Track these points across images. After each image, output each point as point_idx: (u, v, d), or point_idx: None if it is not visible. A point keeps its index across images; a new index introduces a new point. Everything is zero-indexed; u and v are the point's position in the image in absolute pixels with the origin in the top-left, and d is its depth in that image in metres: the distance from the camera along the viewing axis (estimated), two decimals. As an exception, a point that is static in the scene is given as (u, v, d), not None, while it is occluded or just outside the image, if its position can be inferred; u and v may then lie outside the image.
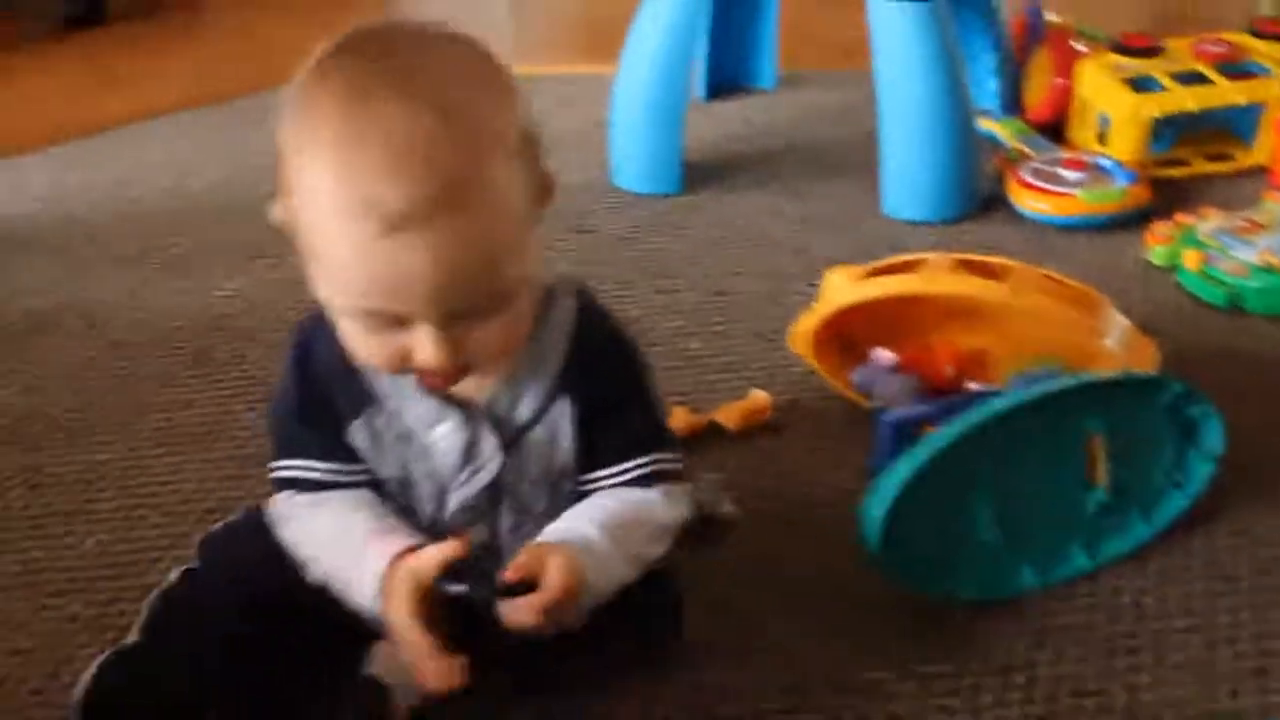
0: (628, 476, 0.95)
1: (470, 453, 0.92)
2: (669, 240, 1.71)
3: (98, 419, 1.42)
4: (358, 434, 0.93)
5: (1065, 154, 1.81)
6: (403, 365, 0.86)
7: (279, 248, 1.72)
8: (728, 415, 1.30)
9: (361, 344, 0.86)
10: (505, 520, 0.95)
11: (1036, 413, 1.07)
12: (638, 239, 1.72)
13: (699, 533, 1.04)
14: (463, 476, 0.93)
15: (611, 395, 0.94)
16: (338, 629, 0.96)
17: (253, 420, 1.38)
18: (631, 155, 1.85)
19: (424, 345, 0.83)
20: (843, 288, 1.30)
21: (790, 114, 2.11)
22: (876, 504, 1.03)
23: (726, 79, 2.18)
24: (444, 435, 0.91)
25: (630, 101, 1.83)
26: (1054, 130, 1.93)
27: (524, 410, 0.92)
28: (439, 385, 0.89)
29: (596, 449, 0.94)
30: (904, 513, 1.02)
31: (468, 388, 0.90)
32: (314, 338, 0.94)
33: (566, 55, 2.58)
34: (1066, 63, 1.92)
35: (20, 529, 1.25)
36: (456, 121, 0.79)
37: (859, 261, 1.58)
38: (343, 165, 0.79)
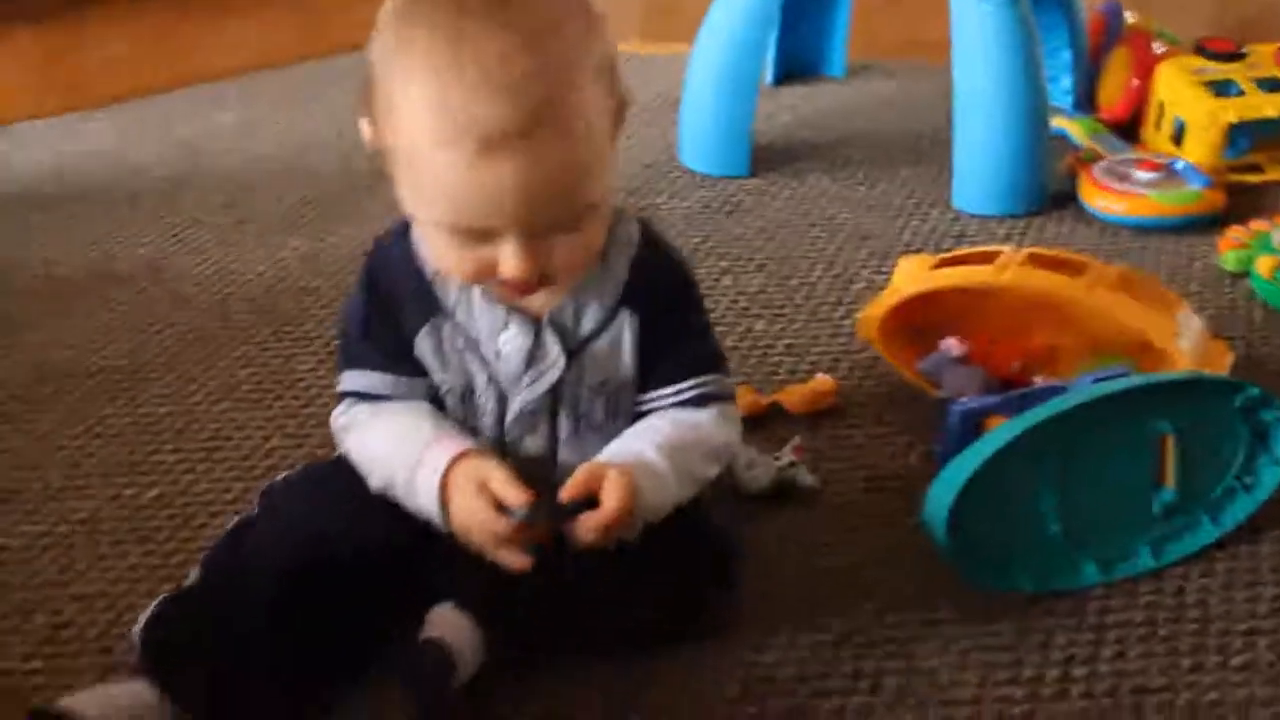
0: (683, 397, 0.97)
1: (533, 358, 0.94)
2: (735, 223, 1.71)
3: (160, 373, 1.43)
4: (424, 343, 0.96)
5: (1138, 155, 1.79)
6: (486, 277, 0.89)
7: (340, 209, 1.77)
8: (791, 397, 1.29)
9: (447, 257, 0.90)
10: (564, 427, 0.97)
11: (1107, 410, 1.06)
12: (704, 220, 1.72)
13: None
14: (525, 380, 0.95)
15: (669, 317, 0.96)
16: (394, 587, 0.97)
17: (314, 377, 1.39)
18: (700, 136, 1.84)
19: (509, 258, 0.86)
20: (914, 275, 1.29)
21: (860, 103, 2.09)
22: (943, 492, 1.02)
23: (796, 65, 2.17)
24: (508, 340, 0.94)
25: (702, 81, 1.82)
26: (1127, 130, 1.90)
27: (588, 322, 0.95)
28: (518, 296, 0.92)
29: (653, 370, 0.97)
30: (970, 503, 1.02)
31: (534, 300, 0.93)
32: (389, 252, 0.98)
33: (638, 32, 2.57)
34: (1144, 64, 1.90)
35: (83, 479, 1.26)
36: (548, 44, 0.82)
37: (927, 251, 1.59)
38: (439, 90, 0.82)
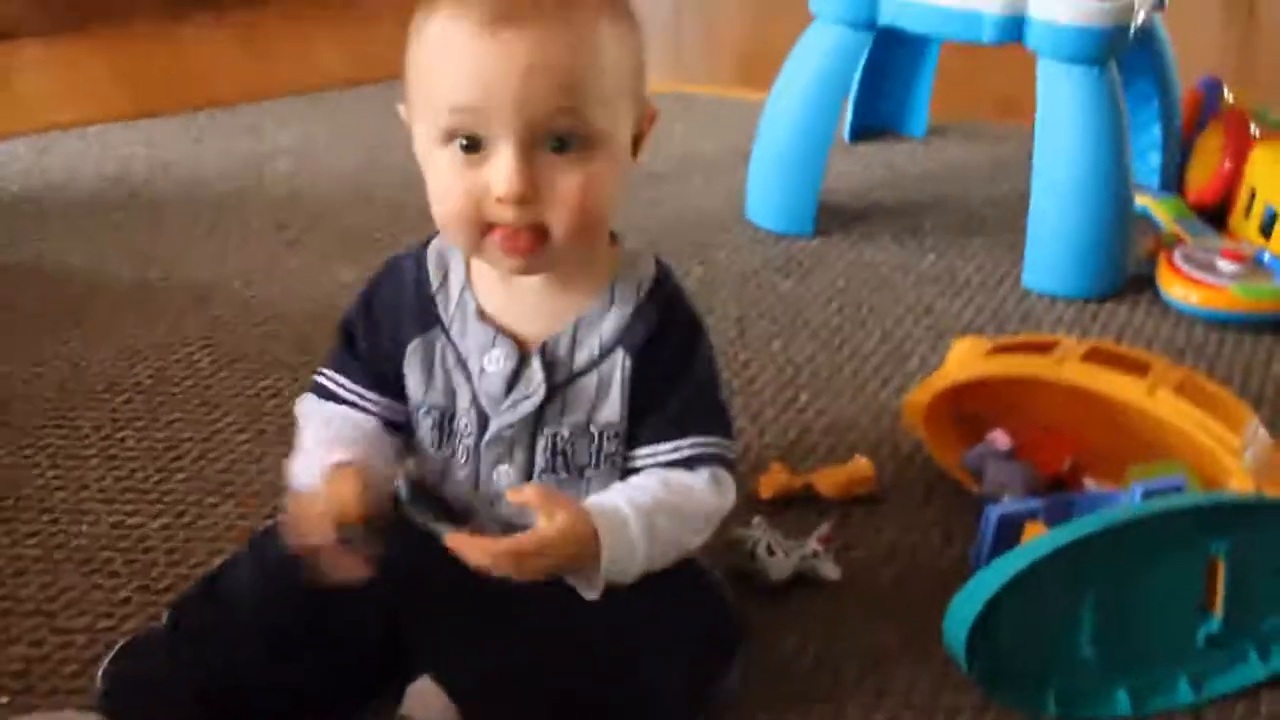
0: (676, 457, 0.93)
1: (515, 381, 0.92)
2: (793, 284, 1.65)
3: (186, 395, 1.40)
4: (414, 355, 0.94)
5: (1224, 243, 1.70)
6: (482, 215, 0.86)
7: (392, 244, 1.73)
8: (826, 480, 1.23)
9: (445, 188, 0.87)
10: (539, 461, 0.93)
11: (1157, 529, 0.99)
12: (760, 279, 1.66)
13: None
14: (506, 404, 0.92)
15: (669, 368, 0.93)
16: (371, 651, 0.95)
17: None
18: (767, 191, 1.79)
19: (501, 168, 0.84)
20: (967, 360, 1.23)
21: (937, 165, 2.03)
22: (967, 605, 0.96)
23: (875, 122, 2.11)
24: (493, 360, 0.92)
25: (774, 136, 1.77)
26: (1215, 216, 1.82)
27: (581, 356, 0.92)
28: (518, 249, 0.87)
29: (647, 423, 0.93)
30: (998, 616, 0.95)
31: (527, 326, 0.92)
32: (400, 264, 0.98)
33: (721, 77, 2.53)
34: (1239, 146, 1.81)
35: (91, 501, 1.23)
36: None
37: (988, 331, 1.52)
38: None
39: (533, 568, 0.84)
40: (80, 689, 1.00)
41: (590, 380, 0.92)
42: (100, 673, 0.95)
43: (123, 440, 1.32)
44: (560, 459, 0.93)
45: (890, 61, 2.01)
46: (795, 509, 1.21)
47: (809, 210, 1.76)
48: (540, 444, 0.93)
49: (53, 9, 2.90)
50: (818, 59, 1.74)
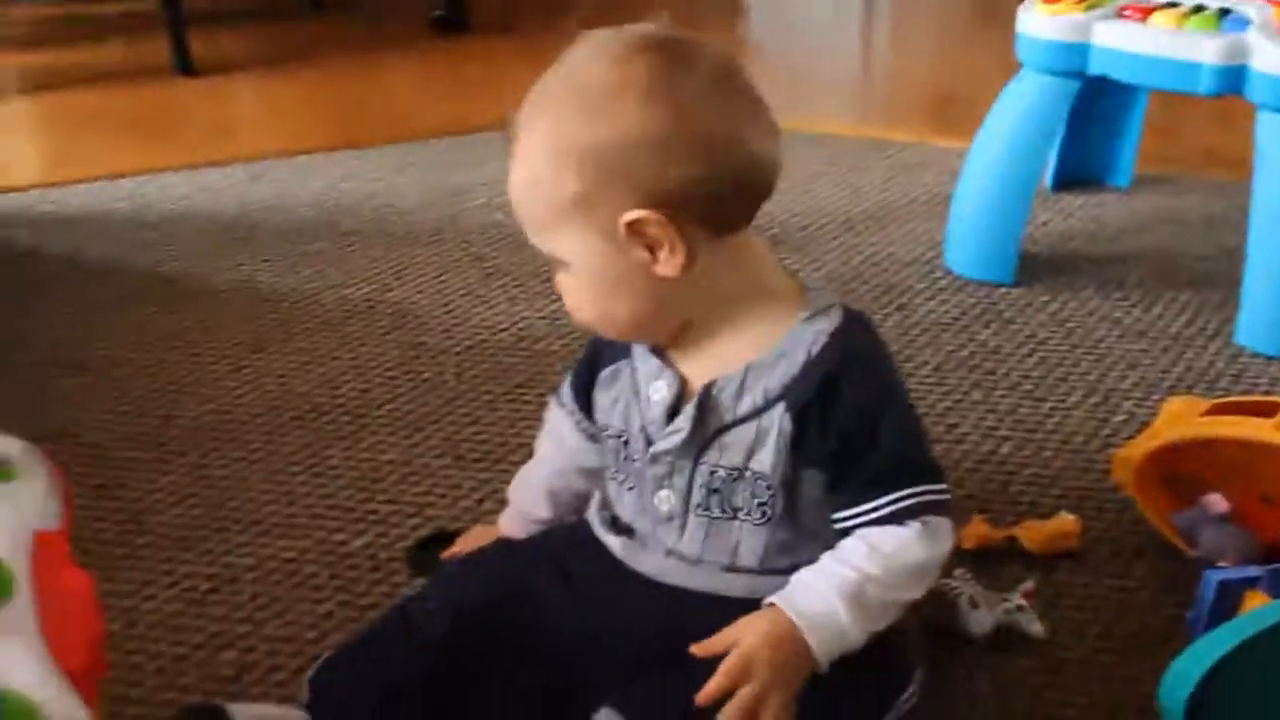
0: (878, 514, 0.90)
1: (675, 412, 0.93)
2: (994, 334, 1.62)
3: (387, 419, 1.44)
4: (605, 378, 0.99)
5: None
6: None
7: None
8: (1030, 534, 1.20)
9: None
10: (696, 493, 0.94)
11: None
12: (960, 328, 1.63)
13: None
14: (665, 432, 0.94)
15: (850, 427, 0.90)
16: (555, 681, 0.95)
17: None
18: (968, 238, 1.76)
19: None
20: (1182, 419, 1.19)
21: (1144, 217, 1.97)
22: (1187, 672, 0.92)
23: (1078, 171, 2.06)
24: (657, 390, 0.94)
25: (977, 183, 1.74)
26: None
27: (745, 403, 0.91)
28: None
29: (846, 486, 0.91)
30: (1216, 689, 0.91)
31: (692, 365, 0.94)
32: None
33: (911, 123, 2.51)
34: None
35: (298, 517, 1.27)
36: (590, 114, 0.86)
37: (1198, 390, 1.48)
38: None
39: (769, 699, 0.85)
40: (289, 696, 1.02)
41: (750, 428, 0.92)
42: (306, 680, 0.97)
43: (328, 459, 1.36)
44: (715, 496, 0.93)
45: (1096, 110, 1.97)
46: (997, 562, 1.18)
47: (1010, 259, 1.73)
48: (698, 478, 0.94)
49: (265, 45, 3.02)
50: (1025, 107, 1.71)
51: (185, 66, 2.77)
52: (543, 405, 1.42)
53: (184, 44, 2.78)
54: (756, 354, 0.91)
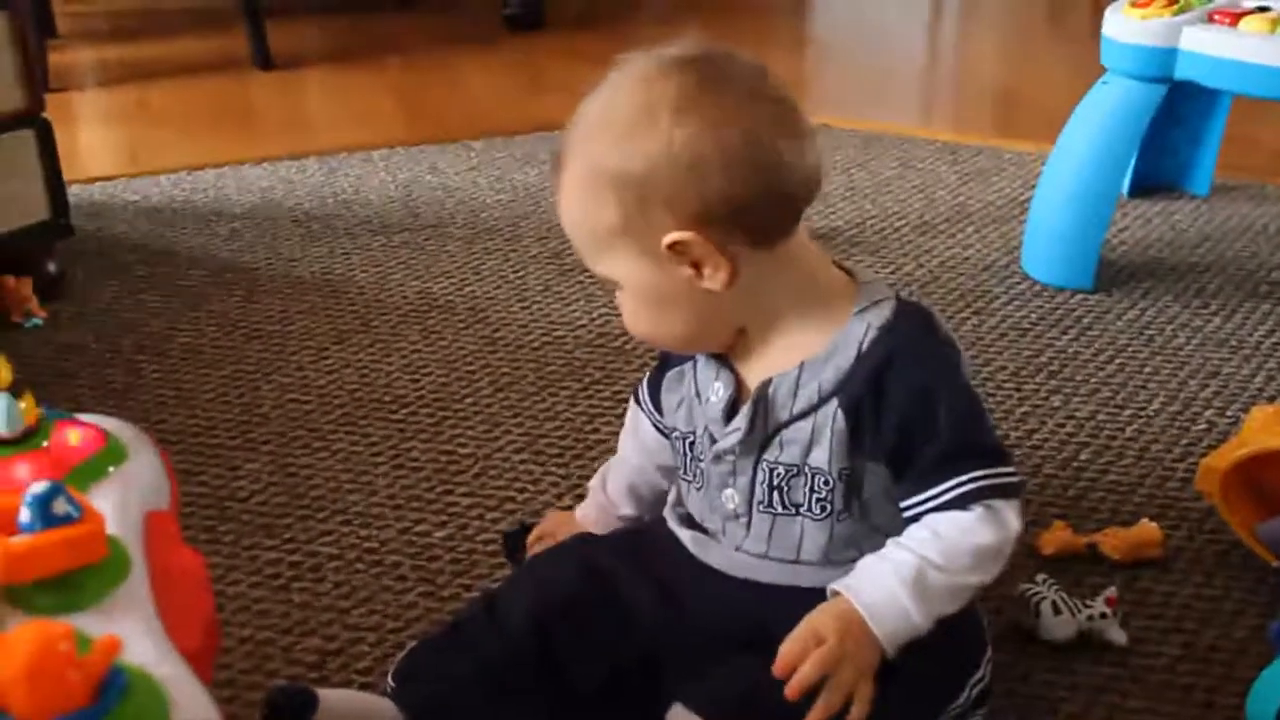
0: (942, 500, 0.91)
1: (733, 412, 0.95)
2: (1071, 340, 1.61)
3: (467, 413, 1.45)
4: (671, 382, 1.02)
5: None
6: None
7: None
8: (1112, 542, 1.19)
9: None
10: (758, 491, 0.95)
11: None
12: (1038, 333, 1.62)
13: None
14: (725, 431, 0.95)
15: (906, 417, 0.90)
16: (630, 675, 0.97)
17: (616, 441, 1.37)
18: (1047, 243, 1.75)
19: None
20: (1268, 429, 1.17)
21: (1222, 225, 1.95)
22: (1273, 686, 0.91)
23: (1156, 177, 2.04)
24: (715, 391, 0.96)
25: (1057, 188, 1.73)
26: None
27: (802, 399, 0.92)
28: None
29: (907, 472, 0.92)
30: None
31: (749, 365, 0.95)
32: None
33: (980, 125, 2.50)
34: None
35: (379, 508, 1.28)
36: (621, 140, 0.87)
37: (1279, 402, 1.46)
38: None
39: (837, 679, 0.87)
40: (371, 684, 1.04)
41: (806, 425, 0.92)
42: (391, 671, 0.98)
43: (409, 450, 1.38)
44: (776, 494, 0.94)
45: (1177, 115, 1.95)
46: (1077, 568, 1.18)
47: (1090, 265, 1.72)
48: (760, 475, 0.95)
49: (339, 38, 3.05)
50: (1109, 112, 1.69)
51: (263, 60, 2.81)
52: (619, 402, 1.46)
53: (262, 37, 2.81)
54: (811, 352, 0.92)
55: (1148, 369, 1.54)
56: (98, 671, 0.54)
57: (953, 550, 0.90)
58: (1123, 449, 1.38)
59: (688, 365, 0.99)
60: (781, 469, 0.94)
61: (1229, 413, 1.44)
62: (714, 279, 0.89)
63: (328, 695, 0.94)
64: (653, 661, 0.97)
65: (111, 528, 0.67)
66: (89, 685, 0.53)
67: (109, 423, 0.80)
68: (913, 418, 0.91)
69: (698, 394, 0.98)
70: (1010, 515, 0.92)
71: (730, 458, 0.95)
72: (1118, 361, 1.55)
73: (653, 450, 1.08)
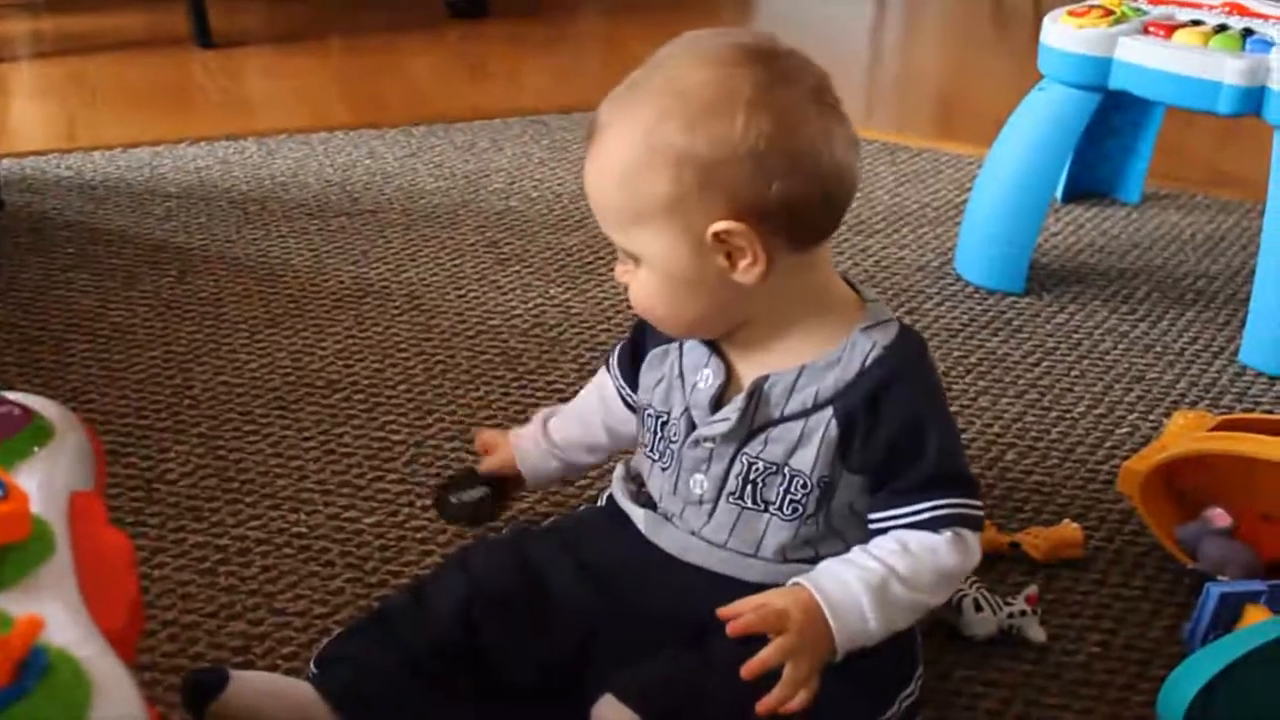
0: (915, 519, 0.94)
1: (721, 401, 0.96)
2: (1001, 341, 1.63)
3: (400, 399, 1.45)
4: (653, 359, 1.02)
5: None
6: None
7: (607, 264, 1.76)
8: (1034, 541, 1.21)
9: None
10: (731, 482, 0.96)
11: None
12: (970, 333, 1.65)
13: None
14: (709, 419, 0.96)
15: (895, 439, 0.93)
16: (562, 668, 0.97)
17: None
18: (980, 246, 1.77)
19: None
20: (1188, 434, 1.20)
21: (1151, 233, 1.99)
22: (1184, 684, 0.94)
23: (1088, 184, 2.07)
24: (704, 378, 0.97)
25: (991, 192, 1.76)
26: None
27: (795, 401, 0.94)
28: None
29: (885, 488, 0.94)
30: (1213, 702, 0.93)
31: (744, 358, 0.96)
32: None
33: (920, 128, 2.52)
34: None
35: (310, 492, 1.28)
36: (692, 120, 0.87)
37: (1202, 406, 1.49)
38: None
39: (794, 672, 0.88)
40: (297, 670, 1.04)
41: (795, 427, 0.94)
42: (314, 657, 0.98)
43: (340, 436, 1.37)
44: (750, 487, 0.96)
45: (1111, 124, 1.98)
46: (1000, 566, 1.20)
47: (1021, 269, 1.74)
48: (736, 467, 0.96)
49: (284, 21, 3.03)
50: (1044, 119, 1.72)
51: (204, 38, 2.78)
52: (553, 392, 1.46)
53: (203, 15, 2.78)
54: (812, 357, 0.94)
55: (1074, 372, 1.57)
56: (18, 651, 0.54)
57: (919, 568, 0.92)
58: (1048, 450, 1.40)
59: (673, 345, 1.00)
60: (761, 465, 0.95)
61: (1151, 417, 1.47)
62: (748, 273, 0.90)
63: (242, 675, 0.94)
64: (585, 653, 0.97)
65: (36, 507, 0.66)
66: (9, 665, 0.53)
67: (36, 401, 0.79)
68: (902, 439, 0.93)
69: (681, 376, 0.99)
70: (975, 545, 0.95)
71: (709, 445, 0.96)
72: (1045, 364, 1.58)
73: (610, 410, 1.12)
